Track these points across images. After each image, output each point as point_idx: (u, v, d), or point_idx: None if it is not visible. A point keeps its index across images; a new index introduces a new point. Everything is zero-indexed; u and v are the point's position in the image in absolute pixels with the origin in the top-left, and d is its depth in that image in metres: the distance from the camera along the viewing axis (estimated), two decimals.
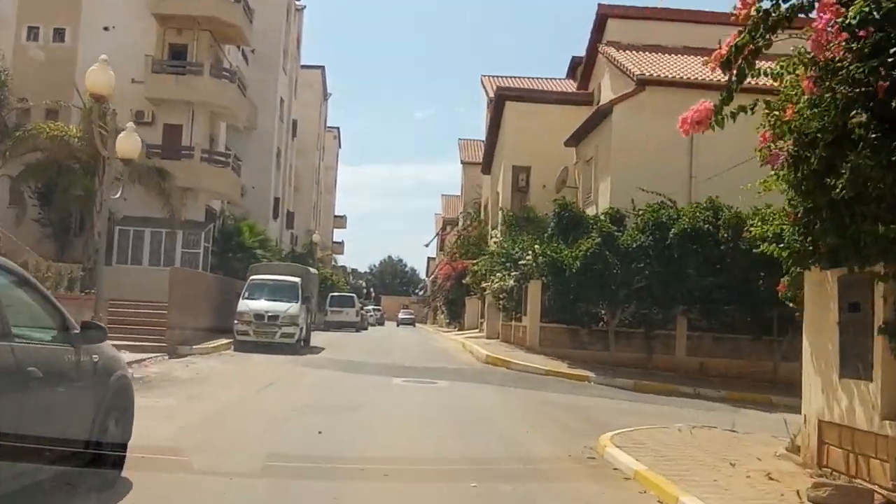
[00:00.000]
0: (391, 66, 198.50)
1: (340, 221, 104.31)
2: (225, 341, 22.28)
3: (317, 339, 29.91)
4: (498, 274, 27.15)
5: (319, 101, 79.74)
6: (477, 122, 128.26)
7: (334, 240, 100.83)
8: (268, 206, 53.72)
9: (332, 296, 45.14)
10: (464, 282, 43.97)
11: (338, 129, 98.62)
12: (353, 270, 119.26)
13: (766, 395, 20.12)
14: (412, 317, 78.20)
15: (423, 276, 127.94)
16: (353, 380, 17.08)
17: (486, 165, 40.72)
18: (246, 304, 22.63)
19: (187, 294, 21.15)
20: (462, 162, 60.80)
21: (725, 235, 21.65)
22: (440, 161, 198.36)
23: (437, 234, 66.43)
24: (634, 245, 21.99)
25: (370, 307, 79.40)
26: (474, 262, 36.96)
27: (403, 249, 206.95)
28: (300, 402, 12.79)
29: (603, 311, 24.09)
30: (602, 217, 22.98)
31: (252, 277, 24.33)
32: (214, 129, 38.33)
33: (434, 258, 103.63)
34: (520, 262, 25.71)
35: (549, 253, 23.69)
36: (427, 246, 67.50)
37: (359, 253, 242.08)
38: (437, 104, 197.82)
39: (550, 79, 41.83)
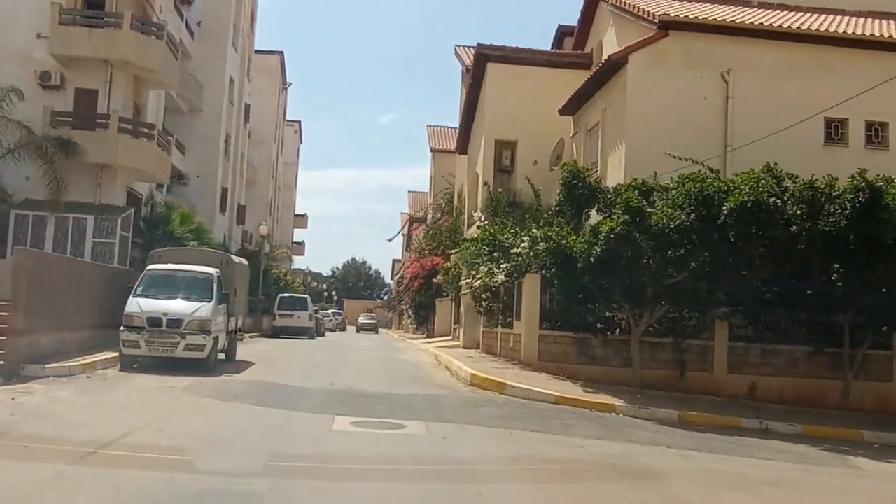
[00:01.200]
0: (355, 70, 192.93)
1: (301, 220, 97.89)
2: (110, 355, 15.98)
3: (252, 349, 23.85)
4: (482, 267, 21.18)
5: (277, 89, 73.71)
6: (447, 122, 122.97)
7: (294, 240, 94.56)
8: (214, 196, 47.60)
9: (282, 297, 38.79)
10: (435, 281, 38.02)
11: (299, 122, 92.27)
12: (314, 273, 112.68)
13: (854, 430, 14.88)
14: (374, 322, 71.41)
15: (388, 279, 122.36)
16: (272, 422, 10.87)
17: (462, 145, 34.71)
18: (137, 305, 15.95)
19: (47, 288, 14.70)
20: (431, 150, 54.89)
21: (797, 211, 15.98)
22: (406, 166, 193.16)
23: (403, 230, 60.27)
24: (672, 225, 16.15)
25: (330, 311, 73.14)
26: (451, 252, 31.03)
27: (368, 253, 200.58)
28: (139, 492, 6.72)
29: (623, 315, 18.29)
30: (626, 191, 17.13)
31: (150, 268, 17.62)
32: (140, 97, 31.97)
33: (400, 260, 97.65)
34: (512, 252, 19.82)
35: (553, 238, 17.84)
36: (391, 241, 61.17)
37: (323, 258, 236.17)
38: (403, 109, 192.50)
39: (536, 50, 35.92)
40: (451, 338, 36.19)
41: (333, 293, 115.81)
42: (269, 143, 70.26)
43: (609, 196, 17.69)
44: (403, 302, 53.43)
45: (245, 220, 54.50)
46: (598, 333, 18.88)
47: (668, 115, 21.43)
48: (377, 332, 64.01)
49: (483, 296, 22.90)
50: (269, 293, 40.84)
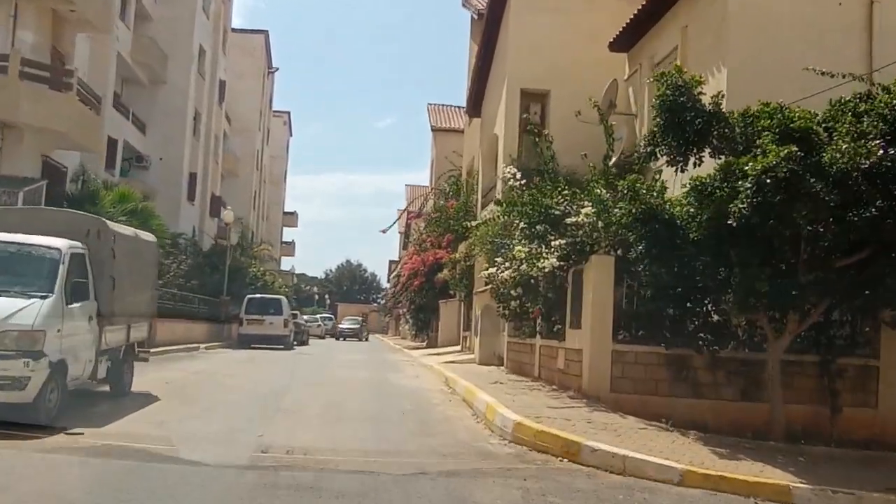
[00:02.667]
0: (351, 75, 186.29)
1: (290, 219, 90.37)
2: None
3: (178, 370, 16.87)
4: (518, 249, 14.08)
5: (261, 72, 66.72)
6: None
7: (284, 239, 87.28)
8: (180, 182, 40.67)
9: (250, 298, 31.51)
10: (438, 278, 30.93)
11: (288, 114, 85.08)
12: (306, 277, 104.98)
13: None
14: (356, 327, 60.93)
15: (384, 283, 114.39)
16: None
17: (475, 105, 27.49)
18: None
19: None
20: (432, 128, 47.80)
21: None
22: (403, 171, 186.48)
23: (399, 219, 52.93)
24: (864, 165, 9.23)
25: (318, 316, 65.93)
26: (465, 233, 23.93)
27: (364, 257, 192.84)
28: None
29: (757, 318, 11.31)
30: (777, 112, 10.18)
31: None
32: (62, 42, 24.89)
33: (397, 261, 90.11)
34: (568, 223, 12.75)
35: (642, 194, 10.90)
36: (385, 232, 53.23)
37: (318, 262, 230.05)
38: (399, 113, 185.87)
39: None
40: (459, 349, 29.09)
41: (326, 297, 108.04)
42: (252, 130, 63.09)
43: (738, 124, 10.66)
44: (400, 304, 46.25)
45: (221, 212, 47.31)
46: (706, 348, 11.90)
47: (785, 28, 14.66)
48: (366, 340, 56.42)
49: (512, 292, 15.80)
50: (243, 295, 33.70)
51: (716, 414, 11.95)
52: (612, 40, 19.71)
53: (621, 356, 12.35)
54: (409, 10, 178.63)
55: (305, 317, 51.56)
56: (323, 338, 54.73)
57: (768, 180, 9.17)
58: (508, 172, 15.72)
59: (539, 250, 13.27)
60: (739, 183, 9.61)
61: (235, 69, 56.26)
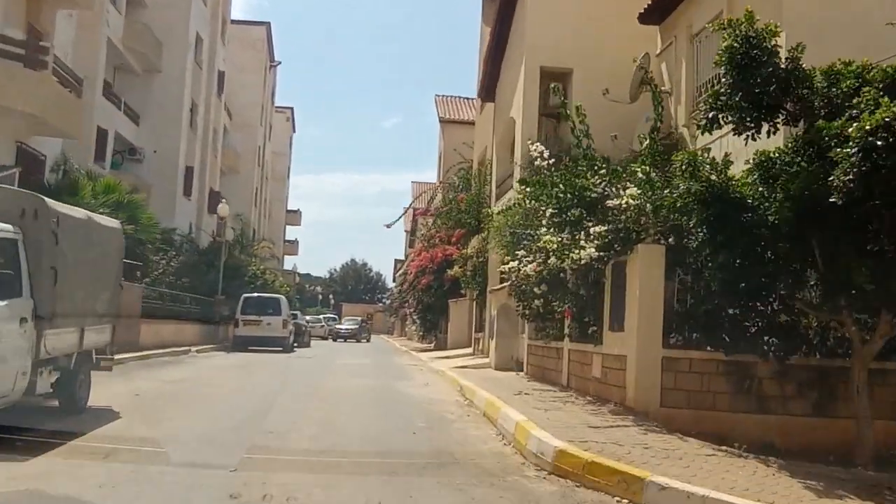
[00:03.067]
0: (357, 74, 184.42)
1: (294, 217, 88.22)
2: None
3: (156, 379, 14.93)
4: (547, 238, 12.10)
5: (263, 66, 64.71)
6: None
7: (287, 238, 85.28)
8: (175, 176, 38.78)
9: (246, 297, 29.48)
10: (448, 275, 28.99)
11: (291, 109, 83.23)
12: (308, 276, 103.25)
13: None
14: (354, 328, 56.66)
15: (390, 283, 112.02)
16: None
17: (488, 87, 25.41)
18: None
19: None
20: (440, 120, 45.77)
21: None
22: (408, 171, 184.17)
23: (405, 214, 50.77)
24: None
25: (321, 317, 63.98)
26: (482, 223, 21.93)
27: (370, 257, 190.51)
28: None
29: (843, 319, 9.34)
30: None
31: None
32: (39, 18, 22.93)
33: (403, 260, 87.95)
34: (610, 207, 10.75)
35: (705, 172, 8.98)
36: (389, 227, 50.92)
37: (323, 262, 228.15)
38: (405, 112, 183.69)
39: None
40: (471, 351, 27.13)
41: (330, 296, 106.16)
42: (253, 126, 61.09)
43: (821, 83, 8.70)
44: (407, 304, 44.20)
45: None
46: (772, 354, 9.93)
47: None
48: (367, 341, 54.10)
49: (536, 290, 13.82)
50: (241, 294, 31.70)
51: (784, 432, 10.01)
52: (642, 11, 17.83)
53: (673, 364, 10.36)
54: (411, 7, 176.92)
55: (308, 317, 49.55)
56: (325, 339, 52.78)
57: (879, 142, 7.21)
58: (535, 150, 13.67)
59: (574, 239, 11.26)
60: (834, 152, 7.65)
61: (236, 62, 54.44)
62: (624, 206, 10.60)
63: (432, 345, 36.62)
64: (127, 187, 25.56)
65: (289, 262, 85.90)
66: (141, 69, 36.18)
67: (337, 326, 58.12)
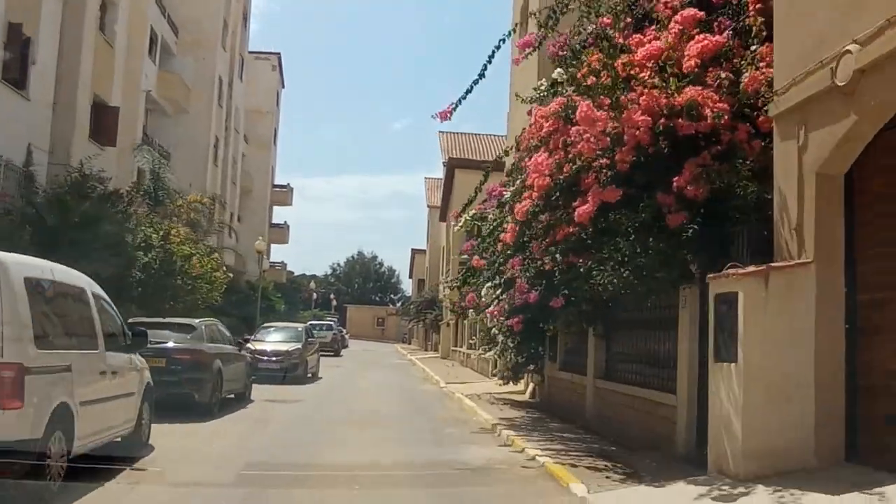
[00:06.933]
0: (366, 75, 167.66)
1: (282, 195, 67.35)
2: None
3: None
4: None
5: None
6: None
7: (274, 221, 64.58)
8: None
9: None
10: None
11: (278, 56, 62.87)
12: (304, 276, 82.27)
13: None
14: (294, 349, 22.51)
15: (405, 282, 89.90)
16: None
17: None
18: None
19: None
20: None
21: None
22: (418, 172, 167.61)
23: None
24: None
25: (319, 323, 44.32)
26: None
27: (380, 253, 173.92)
28: None
29: None
30: None
31: None
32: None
33: (422, 250, 67.54)
34: None
35: None
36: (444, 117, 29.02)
37: (328, 261, 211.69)
38: (416, 114, 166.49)
39: None
40: None
41: (331, 297, 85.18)
42: (209, 47, 40.52)
43: None
44: (469, 301, 20.26)
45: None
46: None
47: None
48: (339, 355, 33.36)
49: None
50: None
51: None
52: None
53: None
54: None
55: (299, 326, 27.85)
56: (327, 355, 33.22)
57: None
58: None
59: None
60: None
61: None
62: None
63: (527, 391, 16.84)
64: None
65: (276, 253, 65.96)
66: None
67: (260, 346, 21.87)
